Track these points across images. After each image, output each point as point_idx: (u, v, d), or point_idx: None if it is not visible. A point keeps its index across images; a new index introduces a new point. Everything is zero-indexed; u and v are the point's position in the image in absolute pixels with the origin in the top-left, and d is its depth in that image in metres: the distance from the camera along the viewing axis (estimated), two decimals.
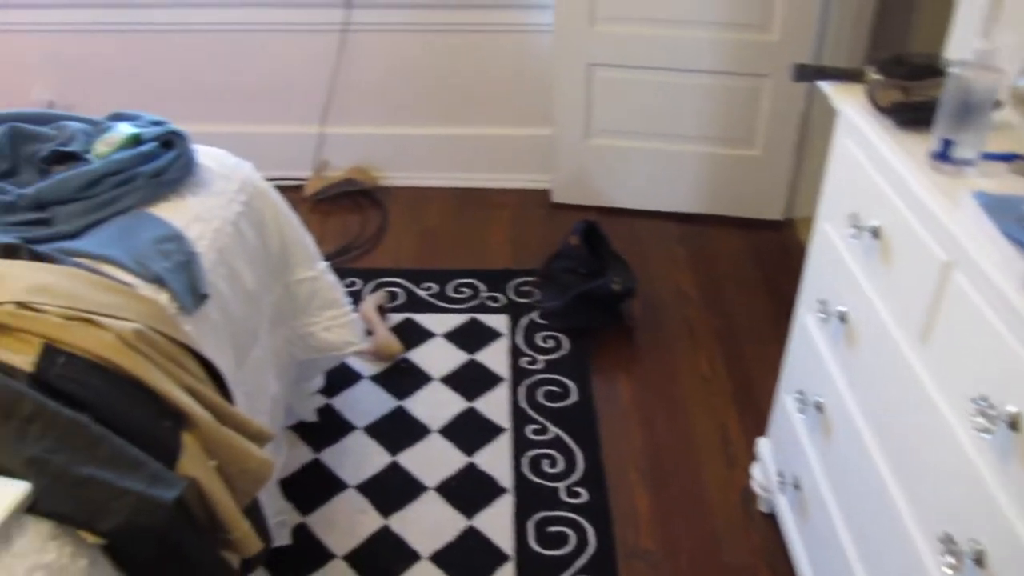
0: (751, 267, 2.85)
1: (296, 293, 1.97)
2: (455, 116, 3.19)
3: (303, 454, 2.13)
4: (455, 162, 3.26)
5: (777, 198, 3.04)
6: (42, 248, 1.44)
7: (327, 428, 2.20)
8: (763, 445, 1.97)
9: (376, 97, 3.15)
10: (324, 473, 2.07)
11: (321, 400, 2.29)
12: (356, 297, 2.64)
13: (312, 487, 2.04)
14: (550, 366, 2.41)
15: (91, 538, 1.10)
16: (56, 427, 1.13)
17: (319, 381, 2.30)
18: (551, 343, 2.50)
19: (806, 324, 1.68)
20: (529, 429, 2.20)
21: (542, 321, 2.58)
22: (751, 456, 2.08)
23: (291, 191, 2.02)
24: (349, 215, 3.12)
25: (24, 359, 1.20)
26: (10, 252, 1.40)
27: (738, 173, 3.00)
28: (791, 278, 2.09)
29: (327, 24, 2.98)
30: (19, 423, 1.12)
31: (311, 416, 2.22)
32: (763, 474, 1.95)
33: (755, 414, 2.24)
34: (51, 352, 1.22)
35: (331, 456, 2.12)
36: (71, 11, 3.05)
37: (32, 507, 1.07)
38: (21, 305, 1.26)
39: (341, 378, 2.36)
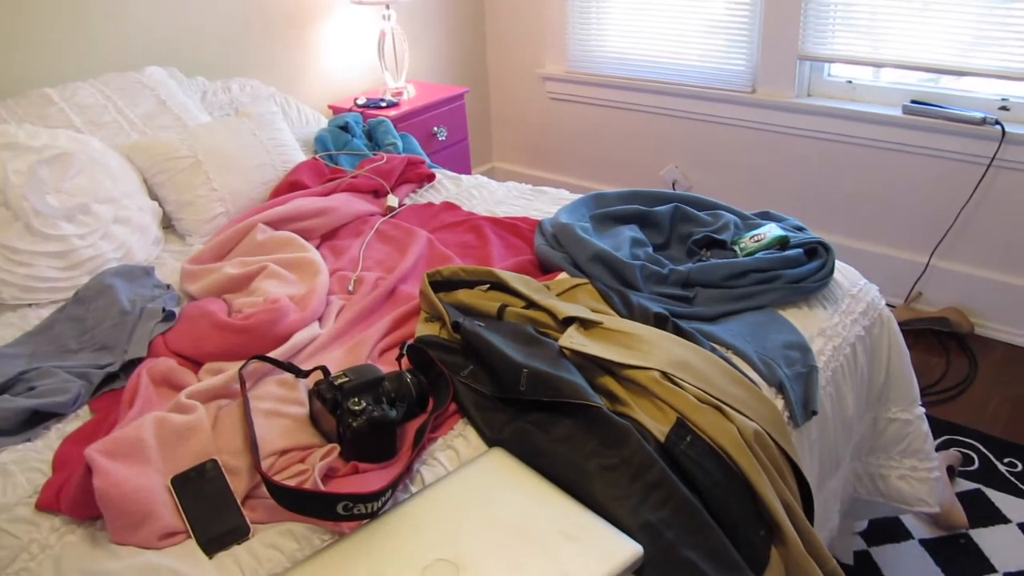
0: None
1: (884, 430, 1.85)
2: None
3: None
4: None
5: None
6: (683, 324, 1.54)
7: None
8: None
9: (999, 239, 2.85)
10: None
11: (860, 544, 2.11)
12: None
13: None
14: None
15: None
16: (674, 501, 1.19)
17: (863, 523, 2.13)
18: None
19: None
20: None
21: None
22: None
23: None
24: (931, 355, 2.87)
25: (658, 427, 1.29)
26: (660, 321, 1.52)
27: None
28: None
29: (976, 156, 2.77)
30: (644, 487, 1.20)
31: (847, 557, 2.06)
32: None
33: None
34: (682, 428, 1.28)
35: None
36: (703, 103, 3.33)
37: (637, 571, 1.13)
38: (664, 375, 1.36)
39: (887, 529, 2.15)
